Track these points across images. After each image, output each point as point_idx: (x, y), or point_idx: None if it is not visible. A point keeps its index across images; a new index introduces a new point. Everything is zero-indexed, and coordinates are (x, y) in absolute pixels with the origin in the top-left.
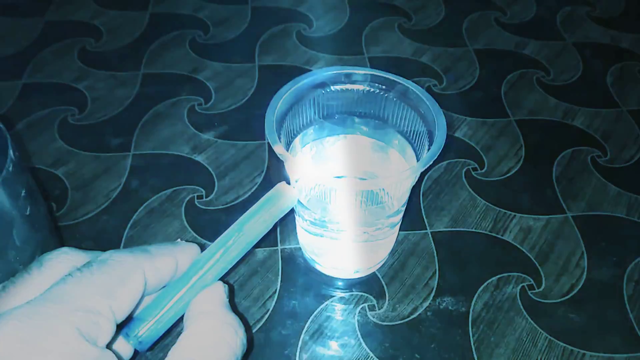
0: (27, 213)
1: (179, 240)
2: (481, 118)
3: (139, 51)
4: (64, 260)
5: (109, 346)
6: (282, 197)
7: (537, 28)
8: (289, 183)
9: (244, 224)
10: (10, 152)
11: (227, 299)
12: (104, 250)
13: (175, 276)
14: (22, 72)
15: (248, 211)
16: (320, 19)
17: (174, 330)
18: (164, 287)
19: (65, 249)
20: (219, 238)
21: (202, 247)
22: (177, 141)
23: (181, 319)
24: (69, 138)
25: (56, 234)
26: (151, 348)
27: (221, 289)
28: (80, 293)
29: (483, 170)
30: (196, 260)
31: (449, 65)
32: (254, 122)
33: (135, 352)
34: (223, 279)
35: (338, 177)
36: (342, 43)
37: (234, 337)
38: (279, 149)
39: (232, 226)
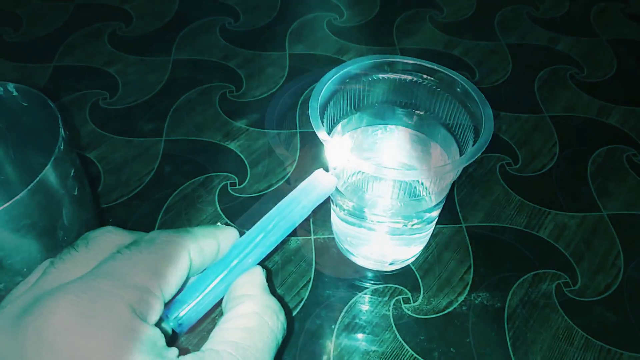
0: (75, 193)
1: (218, 223)
2: (514, 113)
3: (169, 37)
4: (109, 238)
5: (156, 325)
6: (321, 183)
7: (570, 24)
8: (327, 170)
9: (284, 209)
10: (62, 130)
11: (266, 283)
12: None
13: (216, 259)
14: (52, 55)
15: (287, 196)
16: (351, 9)
17: (210, 314)
18: (204, 270)
19: (109, 227)
20: (258, 222)
21: (240, 233)
22: (209, 128)
23: (220, 302)
24: (100, 122)
25: (99, 215)
26: (189, 331)
27: (261, 273)
28: (131, 270)
29: (517, 166)
30: (236, 243)
31: (481, 59)
32: (285, 111)
33: (173, 335)
34: (261, 264)
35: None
36: (373, 34)
37: (275, 320)
38: (322, 134)
39: (271, 211)
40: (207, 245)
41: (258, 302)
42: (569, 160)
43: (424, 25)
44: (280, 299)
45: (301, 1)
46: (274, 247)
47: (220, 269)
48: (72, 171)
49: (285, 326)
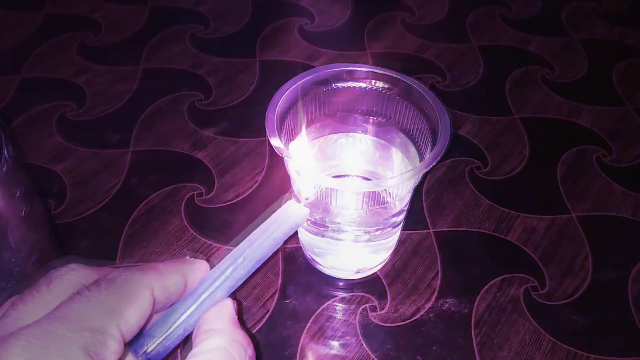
0: (23, 214)
1: (187, 257)
2: (485, 115)
3: (138, 46)
4: (72, 277)
5: None
6: (293, 214)
7: (542, 24)
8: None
9: (254, 241)
10: (5, 151)
11: (236, 316)
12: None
13: (184, 293)
14: (20, 67)
15: (258, 228)
16: (323, 14)
17: (181, 347)
18: (173, 303)
19: (73, 265)
20: (228, 255)
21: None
22: (177, 137)
23: (190, 335)
24: (67, 134)
25: (54, 233)
26: None
27: (230, 306)
28: (89, 313)
29: (487, 169)
30: (205, 276)
31: (452, 62)
32: (255, 119)
33: None
34: (232, 295)
35: (340, 175)
36: (344, 38)
37: (242, 355)
38: (278, 146)
39: (241, 243)
40: (172, 280)
41: (226, 336)
42: (539, 162)
43: (395, 29)
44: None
45: (272, 7)
46: (244, 280)
47: (189, 303)
48: (19, 192)
49: None
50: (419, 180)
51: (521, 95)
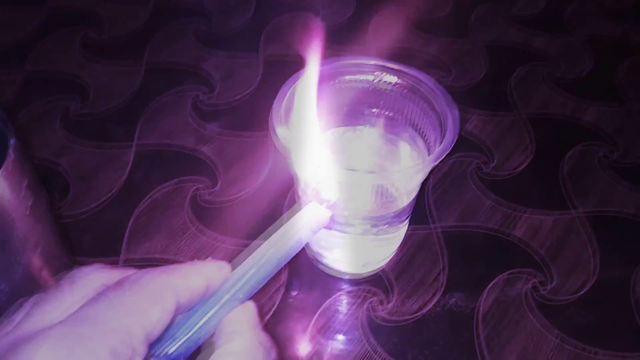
0: (29, 205)
1: (209, 258)
2: (490, 112)
3: (142, 41)
4: (95, 278)
5: None
6: (315, 216)
7: (546, 22)
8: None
9: (276, 243)
10: (12, 141)
11: (258, 319)
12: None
13: (206, 294)
14: (23, 62)
15: (280, 229)
16: (327, 9)
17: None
18: (194, 306)
19: (96, 265)
20: (249, 257)
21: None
22: (181, 132)
23: (211, 337)
24: (71, 128)
25: (58, 226)
26: None
27: (252, 308)
28: (113, 314)
29: (492, 166)
30: (227, 278)
31: (457, 58)
32: (259, 114)
33: None
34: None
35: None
36: (348, 34)
37: (266, 357)
38: (281, 140)
39: (262, 245)
40: (194, 282)
41: (249, 339)
42: (544, 159)
43: (399, 24)
44: (280, 336)
45: (277, 2)
46: (265, 282)
47: (211, 305)
48: (25, 182)
49: None
50: (427, 174)
51: (526, 93)
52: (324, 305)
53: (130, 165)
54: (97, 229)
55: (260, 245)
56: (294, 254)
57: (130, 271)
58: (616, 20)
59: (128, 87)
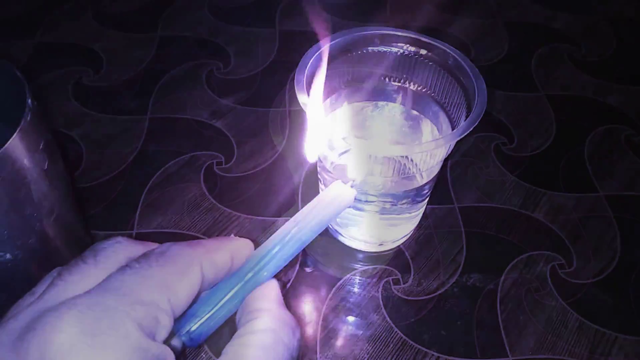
0: (45, 167)
1: (232, 235)
2: (511, 92)
3: (155, 13)
4: (119, 250)
5: (165, 341)
6: (340, 195)
7: (569, 1)
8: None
9: (301, 221)
10: (29, 101)
11: (282, 297)
12: (122, 214)
13: (230, 271)
14: (34, 31)
15: (304, 208)
16: None
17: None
18: (217, 283)
19: (120, 238)
20: (274, 234)
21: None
22: (195, 106)
23: (233, 315)
24: (83, 99)
25: (74, 193)
26: (200, 345)
27: (276, 286)
28: (139, 286)
29: (513, 146)
30: (251, 255)
31: (477, 37)
32: (274, 89)
33: (183, 349)
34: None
35: None
36: (366, 10)
37: (291, 337)
38: (305, 102)
39: (287, 222)
40: (220, 258)
41: (274, 317)
42: (566, 140)
43: (418, 2)
44: (294, 313)
45: None
46: (289, 260)
47: (234, 282)
48: (42, 144)
49: (301, 343)
50: (449, 151)
51: (548, 73)
52: (339, 283)
53: (143, 137)
54: (110, 201)
55: (284, 223)
56: (318, 233)
57: (153, 245)
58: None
59: (142, 58)
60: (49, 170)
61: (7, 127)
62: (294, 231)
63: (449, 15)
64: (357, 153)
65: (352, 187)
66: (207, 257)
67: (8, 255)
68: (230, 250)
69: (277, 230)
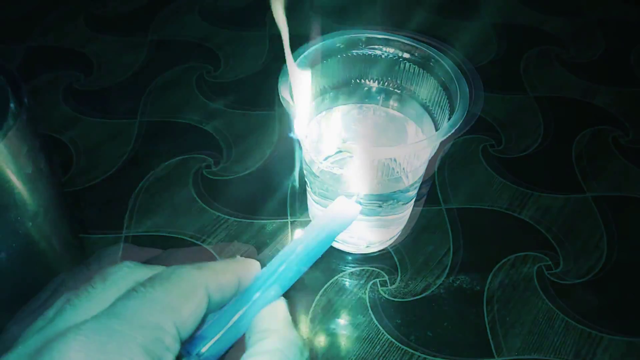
0: (29, 172)
1: (238, 256)
2: (499, 94)
3: (146, 17)
4: (127, 274)
5: None
6: (344, 211)
7: (557, 3)
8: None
9: (305, 240)
10: (12, 104)
11: (290, 316)
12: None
13: (237, 292)
14: (27, 35)
15: (309, 225)
16: None
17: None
18: (225, 304)
19: (127, 262)
20: (279, 253)
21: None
22: (186, 109)
23: (243, 336)
24: (74, 103)
25: (62, 196)
26: None
27: (284, 306)
28: (145, 309)
29: (500, 147)
30: (258, 275)
31: (466, 41)
32: (264, 92)
33: None
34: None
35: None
36: (356, 14)
37: (299, 357)
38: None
39: (292, 242)
40: (226, 280)
41: (282, 337)
42: (554, 141)
43: (409, 6)
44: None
45: None
46: (296, 279)
47: (242, 303)
48: (26, 149)
49: None
50: (433, 152)
51: (536, 75)
52: (327, 285)
53: (134, 140)
54: (102, 203)
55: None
56: (325, 250)
57: (161, 268)
58: (630, 3)
59: (133, 62)
60: (33, 174)
61: None
62: (300, 249)
63: (438, 18)
64: (361, 160)
65: (356, 202)
66: (213, 279)
67: None
68: (237, 271)
69: (282, 250)
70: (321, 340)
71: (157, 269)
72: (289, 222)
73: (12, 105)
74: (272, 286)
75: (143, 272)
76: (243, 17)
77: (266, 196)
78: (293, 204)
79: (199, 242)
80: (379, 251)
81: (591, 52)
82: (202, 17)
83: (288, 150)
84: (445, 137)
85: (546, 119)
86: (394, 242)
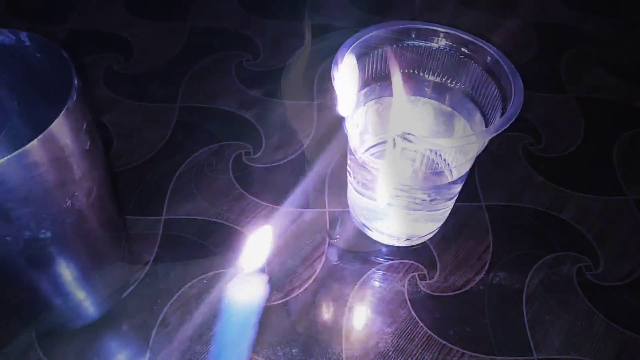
0: (87, 147)
1: None
2: (539, 92)
3: (185, 3)
4: None
5: None
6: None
7: (598, 3)
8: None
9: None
10: (74, 81)
11: None
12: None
13: None
14: (66, 18)
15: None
16: None
17: None
18: None
19: None
20: None
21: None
22: (224, 96)
23: None
24: (114, 86)
25: (111, 175)
26: None
27: None
28: None
29: (540, 146)
30: None
31: (505, 38)
32: (303, 82)
33: None
34: None
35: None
36: (393, 7)
37: None
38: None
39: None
40: None
41: None
42: (594, 142)
43: (445, 2)
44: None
45: None
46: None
47: None
48: (85, 124)
49: None
50: (480, 150)
51: (576, 74)
52: (364, 277)
53: (172, 125)
54: (139, 187)
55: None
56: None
57: None
58: None
59: (171, 47)
60: (90, 151)
61: (52, 106)
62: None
63: (479, 14)
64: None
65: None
66: None
67: (48, 233)
68: None
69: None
70: (358, 332)
71: None
72: (327, 212)
73: (75, 80)
74: None
75: None
76: (283, 6)
77: (305, 184)
78: (330, 193)
79: (238, 227)
80: (418, 245)
81: (633, 54)
82: (242, 5)
83: (327, 139)
84: (496, 134)
85: (587, 119)
86: (433, 236)
